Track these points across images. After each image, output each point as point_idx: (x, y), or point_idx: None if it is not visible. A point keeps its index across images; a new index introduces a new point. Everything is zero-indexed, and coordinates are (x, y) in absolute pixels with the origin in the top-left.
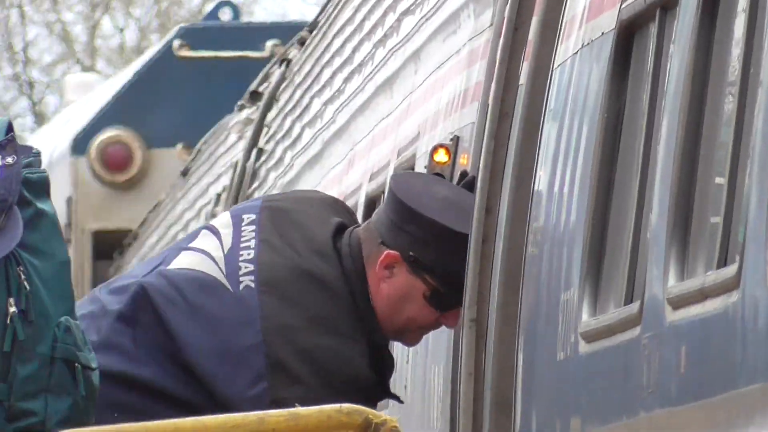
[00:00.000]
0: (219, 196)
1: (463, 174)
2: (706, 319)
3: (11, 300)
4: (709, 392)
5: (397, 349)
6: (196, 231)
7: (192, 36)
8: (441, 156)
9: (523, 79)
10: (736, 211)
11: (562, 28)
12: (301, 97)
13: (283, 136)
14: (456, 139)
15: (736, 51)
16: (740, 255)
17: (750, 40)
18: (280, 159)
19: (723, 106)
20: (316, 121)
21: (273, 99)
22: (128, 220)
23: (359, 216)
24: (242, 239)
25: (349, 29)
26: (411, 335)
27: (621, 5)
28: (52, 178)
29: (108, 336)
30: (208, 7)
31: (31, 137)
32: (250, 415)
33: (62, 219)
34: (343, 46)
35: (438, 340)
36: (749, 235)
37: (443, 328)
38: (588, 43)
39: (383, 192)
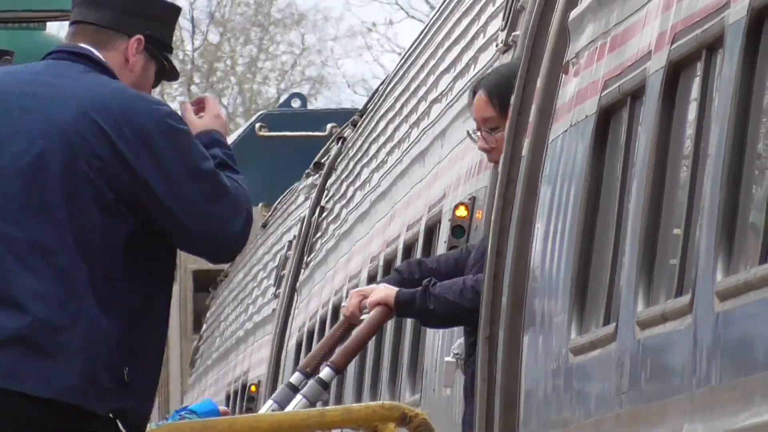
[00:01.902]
0: (290, 243)
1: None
2: (666, 337)
3: None
4: (662, 395)
5: (427, 359)
6: None
7: (270, 120)
8: (461, 212)
9: (525, 152)
10: (689, 255)
11: (555, 112)
12: (354, 166)
13: (340, 197)
14: (473, 199)
15: (689, 131)
16: (692, 288)
17: (700, 123)
18: (338, 215)
19: (680, 173)
20: (365, 185)
21: (332, 168)
22: None
23: (398, 259)
24: None
25: (390, 114)
26: None
27: (600, 94)
28: None
29: None
30: (283, 97)
31: None
32: (313, 411)
33: None
34: (386, 127)
35: None
36: (699, 274)
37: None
38: (575, 124)
39: (416, 240)
